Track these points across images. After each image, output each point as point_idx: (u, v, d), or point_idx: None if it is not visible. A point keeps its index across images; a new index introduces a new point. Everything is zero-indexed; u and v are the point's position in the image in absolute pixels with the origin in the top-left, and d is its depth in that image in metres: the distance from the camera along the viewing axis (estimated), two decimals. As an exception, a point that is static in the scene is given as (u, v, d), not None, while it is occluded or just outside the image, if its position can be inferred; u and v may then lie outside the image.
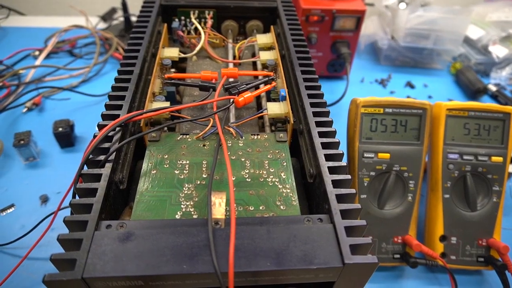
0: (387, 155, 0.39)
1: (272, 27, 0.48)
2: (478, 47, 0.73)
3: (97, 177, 0.27)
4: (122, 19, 0.80)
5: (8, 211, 0.46)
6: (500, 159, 0.40)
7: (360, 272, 0.24)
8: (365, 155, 0.39)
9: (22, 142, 0.50)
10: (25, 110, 0.60)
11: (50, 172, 0.52)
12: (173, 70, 0.46)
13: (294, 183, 0.29)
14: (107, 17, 0.85)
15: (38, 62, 0.69)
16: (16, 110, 0.60)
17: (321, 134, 0.30)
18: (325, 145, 0.30)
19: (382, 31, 0.73)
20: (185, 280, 0.22)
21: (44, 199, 0.48)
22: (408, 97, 0.67)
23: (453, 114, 0.40)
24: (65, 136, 0.53)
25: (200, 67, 0.46)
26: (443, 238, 0.41)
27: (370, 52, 0.80)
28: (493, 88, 0.67)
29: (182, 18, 0.50)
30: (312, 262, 0.22)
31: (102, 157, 0.28)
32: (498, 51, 0.70)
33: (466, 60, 0.74)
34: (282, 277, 0.23)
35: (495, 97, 0.67)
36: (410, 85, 0.70)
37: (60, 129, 0.53)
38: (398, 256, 0.40)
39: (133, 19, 0.80)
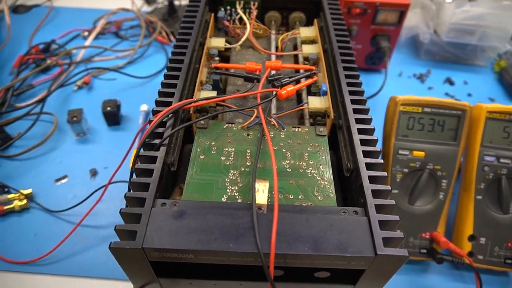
0: (422, 153, 0.40)
1: (315, 20, 0.48)
2: (526, 45, 0.71)
3: (153, 159, 0.29)
4: (166, 3, 0.82)
5: (62, 181, 0.51)
6: (538, 164, 0.40)
7: (390, 264, 0.25)
8: (400, 152, 0.40)
9: (75, 119, 0.54)
10: (76, 88, 0.64)
11: (98, 148, 0.56)
12: (217, 58, 0.48)
13: (331, 176, 0.31)
14: (151, 0, 0.88)
15: (87, 42, 0.73)
16: (68, 88, 0.65)
17: (360, 131, 0.32)
18: (363, 142, 0.31)
19: (425, 25, 0.72)
20: (230, 257, 0.25)
21: (94, 173, 0.52)
22: (446, 93, 0.67)
23: (493, 116, 0.40)
24: (113, 115, 0.57)
25: (244, 57, 0.48)
26: (471, 238, 0.41)
27: (410, 45, 0.78)
28: (538, 89, 0.65)
29: (228, 8, 0.51)
30: (347, 250, 0.24)
31: (157, 141, 0.30)
32: (547, 50, 0.67)
33: (512, 58, 0.72)
34: (317, 262, 0.25)
35: (539, 98, 0.65)
36: (449, 81, 0.69)
37: (109, 108, 0.57)
38: (424, 251, 0.41)
39: (176, 3, 0.82)
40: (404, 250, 0.24)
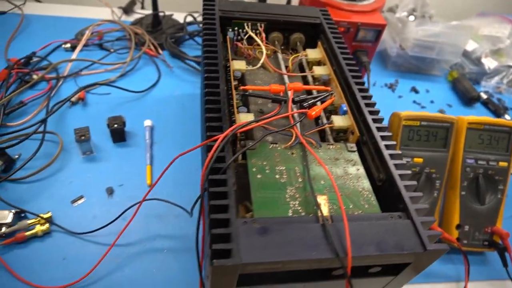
0: (421, 160, 0.48)
1: (319, 42, 0.54)
2: (472, 58, 0.83)
3: (224, 182, 0.33)
4: (144, 12, 0.82)
5: (79, 202, 0.51)
6: (505, 164, 0.50)
7: (432, 256, 0.32)
8: (404, 159, 0.48)
9: (83, 137, 0.54)
10: (70, 104, 0.63)
11: (107, 166, 0.56)
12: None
13: (370, 186, 0.37)
14: (128, 9, 0.87)
15: (74, 55, 0.71)
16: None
17: (387, 147, 0.38)
18: (392, 156, 0.37)
19: (392, 40, 0.81)
20: (312, 263, 0.29)
21: (110, 191, 0.52)
22: (414, 101, 0.77)
23: (471, 127, 0.49)
24: (120, 132, 0.58)
25: (257, 76, 0.51)
26: (458, 227, 0.50)
27: (378, 57, 0.88)
28: (484, 96, 0.78)
29: (236, 28, 0.55)
30: (404, 248, 0.30)
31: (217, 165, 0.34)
32: (489, 63, 0.80)
33: (461, 69, 0.84)
34: (380, 260, 0.31)
35: (485, 103, 0.78)
36: (414, 90, 0.79)
37: (116, 125, 0.57)
38: (423, 241, 0.49)
39: (160, 14, 0.82)
40: (445, 244, 0.31)
